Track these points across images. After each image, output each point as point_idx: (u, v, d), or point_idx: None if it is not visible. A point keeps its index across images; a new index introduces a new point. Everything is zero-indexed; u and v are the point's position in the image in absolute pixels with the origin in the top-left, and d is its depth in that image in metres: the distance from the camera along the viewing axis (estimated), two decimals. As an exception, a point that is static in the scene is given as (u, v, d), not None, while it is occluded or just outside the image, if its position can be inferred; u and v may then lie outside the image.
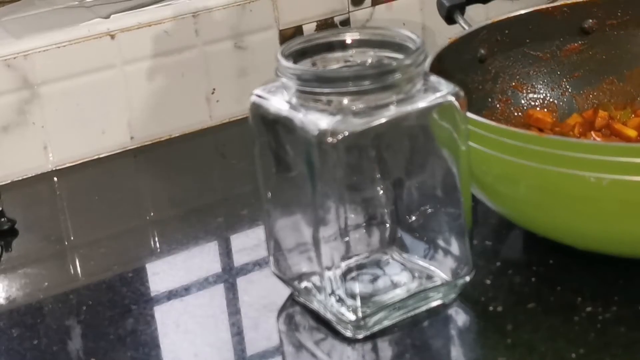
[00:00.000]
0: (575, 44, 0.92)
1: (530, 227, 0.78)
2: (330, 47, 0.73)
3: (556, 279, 0.75)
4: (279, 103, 0.70)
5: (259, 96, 0.72)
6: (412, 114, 0.69)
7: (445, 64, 0.83)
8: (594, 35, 0.92)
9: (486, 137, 0.73)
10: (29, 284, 0.82)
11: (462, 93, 0.70)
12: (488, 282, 0.75)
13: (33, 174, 1.00)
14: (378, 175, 0.73)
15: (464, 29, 0.92)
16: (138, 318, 0.76)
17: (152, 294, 0.79)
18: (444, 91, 0.70)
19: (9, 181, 0.99)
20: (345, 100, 0.68)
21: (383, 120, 0.68)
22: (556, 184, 0.70)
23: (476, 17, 0.99)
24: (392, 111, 0.68)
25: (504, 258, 0.79)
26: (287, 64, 0.69)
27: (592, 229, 0.73)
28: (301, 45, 0.72)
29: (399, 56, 0.70)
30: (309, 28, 1.11)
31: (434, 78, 0.71)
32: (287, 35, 1.09)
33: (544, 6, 0.92)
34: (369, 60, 0.73)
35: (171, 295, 0.78)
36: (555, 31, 0.92)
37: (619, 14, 0.92)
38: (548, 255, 0.77)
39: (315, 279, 0.72)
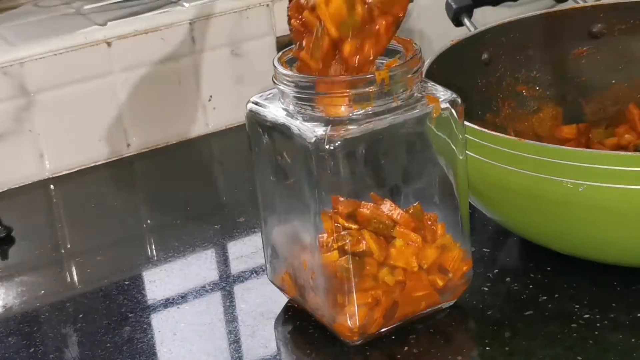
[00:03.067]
0: (583, 48, 0.91)
1: (520, 233, 0.78)
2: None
3: (554, 286, 0.75)
4: (275, 110, 0.70)
5: (256, 103, 0.72)
6: (409, 120, 0.69)
7: (446, 66, 0.82)
8: (602, 39, 0.91)
9: (474, 143, 0.72)
10: (25, 292, 0.82)
11: (459, 100, 0.70)
12: (486, 289, 0.75)
13: (29, 182, 1.00)
14: (375, 182, 0.73)
15: (470, 31, 0.91)
16: (135, 326, 0.75)
17: (149, 302, 0.79)
18: (441, 98, 0.69)
19: (5, 189, 0.99)
20: (342, 107, 0.67)
21: (380, 127, 0.68)
22: (537, 190, 0.70)
23: (482, 20, 0.97)
24: (389, 118, 0.68)
25: (502, 265, 0.79)
26: (284, 71, 0.69)
27: (572, 235, 0.72)
28: (298, 52, 0.72)
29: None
30: (305, 35, 1.10)
31: (431, 85, 0.71)
32: (284, 42, 1.08)
33: (551, 9, 0.91)
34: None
35: (168, 303, 0.78)
36: (563, 35, 0.90)
37: (628, 19, 0.91)
38: (546, 262, 0.77)
39: (313, 286, 0.71)
